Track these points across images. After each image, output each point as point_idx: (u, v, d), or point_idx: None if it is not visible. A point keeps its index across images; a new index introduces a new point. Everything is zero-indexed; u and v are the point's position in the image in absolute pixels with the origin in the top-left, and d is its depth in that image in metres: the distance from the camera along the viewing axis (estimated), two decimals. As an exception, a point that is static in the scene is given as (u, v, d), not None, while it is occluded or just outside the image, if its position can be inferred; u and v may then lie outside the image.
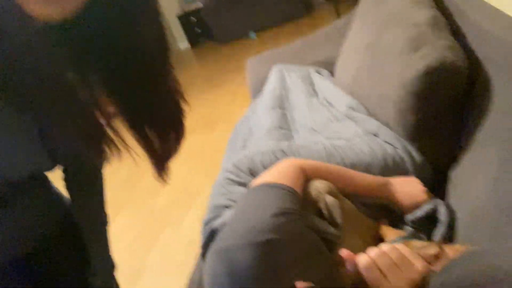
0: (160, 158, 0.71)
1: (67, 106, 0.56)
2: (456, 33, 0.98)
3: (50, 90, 0.53)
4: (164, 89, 0.66)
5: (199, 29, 6.45)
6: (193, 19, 6.37)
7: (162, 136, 0.69)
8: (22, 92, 0.52)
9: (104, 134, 0.65)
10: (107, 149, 0.67)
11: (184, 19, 6.44)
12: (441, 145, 0.95)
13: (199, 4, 6.38)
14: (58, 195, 0.89)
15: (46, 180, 0.84)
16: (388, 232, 0.91)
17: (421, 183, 0.94)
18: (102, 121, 0.67)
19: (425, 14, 1.01)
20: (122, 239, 2.27)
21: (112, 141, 0.66)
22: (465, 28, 0.97)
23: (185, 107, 0.69)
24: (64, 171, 0.89)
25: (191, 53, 6.45)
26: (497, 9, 0.92)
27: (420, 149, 0.99)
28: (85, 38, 0.61)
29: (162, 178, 0.73)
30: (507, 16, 0.86)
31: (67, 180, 0.90)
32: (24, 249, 0.79)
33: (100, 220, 0.95)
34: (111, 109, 0.69)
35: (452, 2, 1.10)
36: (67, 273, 0.88)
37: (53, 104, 0.54)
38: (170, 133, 0.69)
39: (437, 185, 0.98)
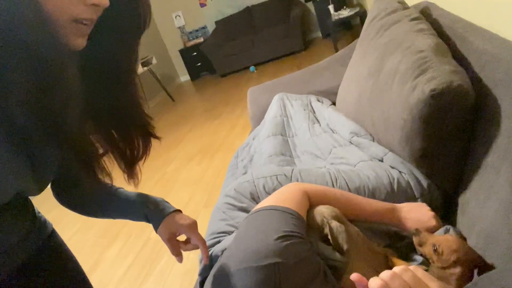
0: (129, 162, 0.77)
1: (76, 118, 0.60)
2: (460, 59, 0.99)
3: (74, 105, 0.57)
4: (133, 96, 0.74)
5: (199, 63, 6.59)
6: (194, 53, 6.52)
7: (128, 141, 0.76)
8: (49, 109, 0.55)
9: (97, 155, 0.69)
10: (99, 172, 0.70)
11: (185, 53, 6.60)
12: (448, 169, 0.93)
13: (200, 39, 6.56)
14: (41, 220, 0.86)
15: (29, 205, 0.81)
16: (398, 263, 0.87)
17: (430, 208, 0.91)
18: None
19: (427, 41, 1.02)
20: (118, 267, 2.18)
21: (103, 167, 0.71)
22: (469, 54, 0.98)
23: (150, 120, 0.78)
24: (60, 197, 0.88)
25: (191, 86, 6.55)
26: (500, 36, 0.93)
27: (427, 174, 0.97)
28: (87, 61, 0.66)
29: (132, 181, 0.79)
30: (510, 41, 0.87)
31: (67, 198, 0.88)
32: (2, 272, 0.75)
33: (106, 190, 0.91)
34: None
35: (453, 30, 1.11)
36: None
37: (72, 118, 0.58)
38: (135, 136, 0.77)
39: (446, 210, 0.95)
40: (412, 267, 0.53)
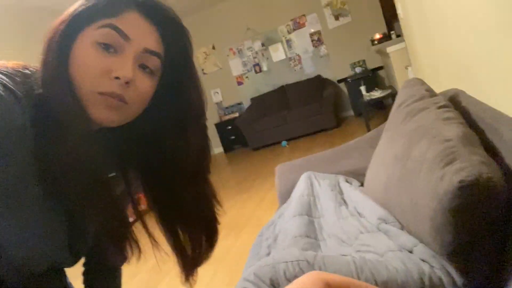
0: (190, 262, 0.72)
1: (101, 201, 0.58)
2: (490, 149, 0.96)
3: (91, 186, 0.56)
4: (200, 195, 0.70)
5: (233, 136, 6.81)
6: (229, 127, 6.78)
7: (194, 239, 0.72)
8: (64, 186, 0.55)
9: (129, 233, 0.67)
10: (128, 248, 0.68)
11: (220, 126, 6.88)
12: (484, 266, 0.85)
13: (236, 114, 6.86)
14: None
15: (62, 275, 0.81)
16: None
17: (465, 311, 0.82)
18: (131, 218, 0.69)
19: (455, 129, 1.01)
20: None
21: (135, 240, 0.68)
22: (499, 145, 0.96)
23: (219, 213, 0.73)
24: (85, 266, 0.87)
25: (224, 158, 6.69)
26: (530, 127, 0.91)
27: (461, 270, 0.90)
28: (133, 141, 0.67)
29: (189, 283, 0.73)
30: (542, 134, 0.85)
31: (86, 276, 0.87)
32: None
33: None
34: (143, 206, 0.72)
35: (482, 119, 1.10)
36: None
37: (90, 198, 0.57)
38: (202, 236, 0.72)
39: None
40: None
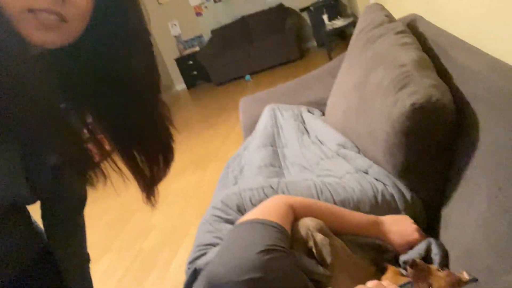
0: (149, 182, 0.73)
1: (56, 130, 0.56)
2: (442, 73, 1.01)
3: (41, 115, 0.53)
4: (153, 115, 0.69)
5: (195, 71, 6.61)
6: (190, 62, 6.54)
7: (150, 160, 0.72)
8: (11, 116, 0.52)
9: (89, 159, 0.66)
10: (92, 175, 0.68)
11: (181, 62, 6.62)
12: (431, 182, 0.94)
13: (196, 48, 6.59)
14: (36, 230, 0.85)
15: (25, 214, 0.80)
16: (393, 277, 0.84)
17: (413, 221, 0.92)
18: (95, 151, 0.68)
19: (410, 55, 1.04)
20: (107, 281, 2.17)
21: (99, 167, 0.67)
22: (451, 69, 1.00)
23: (173, 131, 0.73)
24: (42, 207, 0.86)
25: (187, 94, 6.56)
26: (482, 51, 0.94)
27: (410, 187, 0.98)
28: (78, 64, 0.64)
29: (151, 202, 0.75)
30: (492, 57, 0.89)
31: (45, 217, 0.86)
32: None
33: (80, 259, 0.90)
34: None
35: (438, 44, 1.13)
36: None
37: (42, 128, 0.54)
38: (159, 156, 0.72)
39: (429, 223, 0.96)
40: (385, 282, 0.54)
